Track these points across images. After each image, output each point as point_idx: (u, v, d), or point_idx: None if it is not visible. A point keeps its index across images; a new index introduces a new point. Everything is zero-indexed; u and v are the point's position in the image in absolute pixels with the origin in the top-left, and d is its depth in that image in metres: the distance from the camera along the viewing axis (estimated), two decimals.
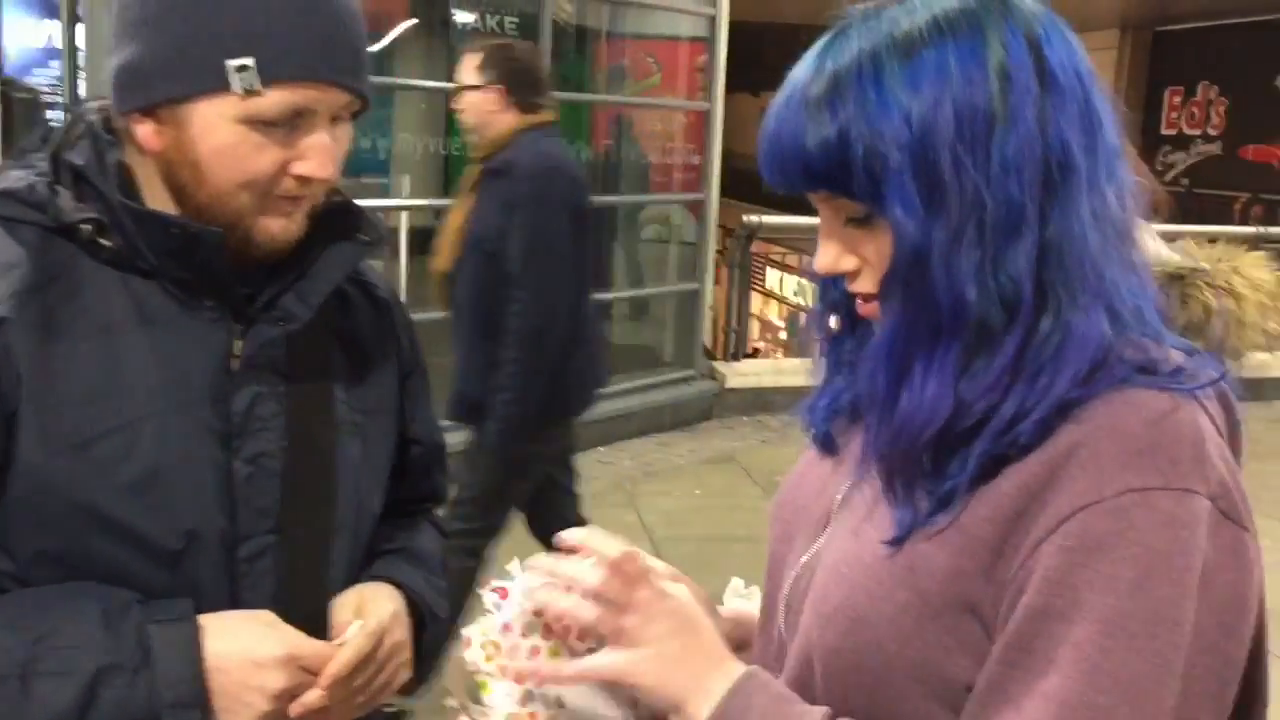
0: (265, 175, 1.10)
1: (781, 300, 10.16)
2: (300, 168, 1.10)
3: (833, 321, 1.03)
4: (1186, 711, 0.80)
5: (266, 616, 1.12)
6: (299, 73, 1.07)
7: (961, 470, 0.86)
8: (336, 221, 1.20)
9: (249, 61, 1.05)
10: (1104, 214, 0.86)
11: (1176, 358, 0.86)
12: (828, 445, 1.05)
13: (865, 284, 0.92)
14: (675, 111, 7.52)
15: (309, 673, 1.10)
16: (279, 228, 1.13)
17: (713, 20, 7.04)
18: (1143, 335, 0.87)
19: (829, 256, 0.92)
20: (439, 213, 7.66)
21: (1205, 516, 0.80)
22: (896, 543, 0.89)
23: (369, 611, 1.19)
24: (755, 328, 9.53)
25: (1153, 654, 0.78)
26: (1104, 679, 0.78)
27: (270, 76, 1.06)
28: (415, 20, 7.17)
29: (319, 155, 1.11)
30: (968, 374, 0.85)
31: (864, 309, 0.94)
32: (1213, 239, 2.15)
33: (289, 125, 1.09)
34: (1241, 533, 0.83)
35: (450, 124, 7.54)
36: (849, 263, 0.92)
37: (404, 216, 6.42)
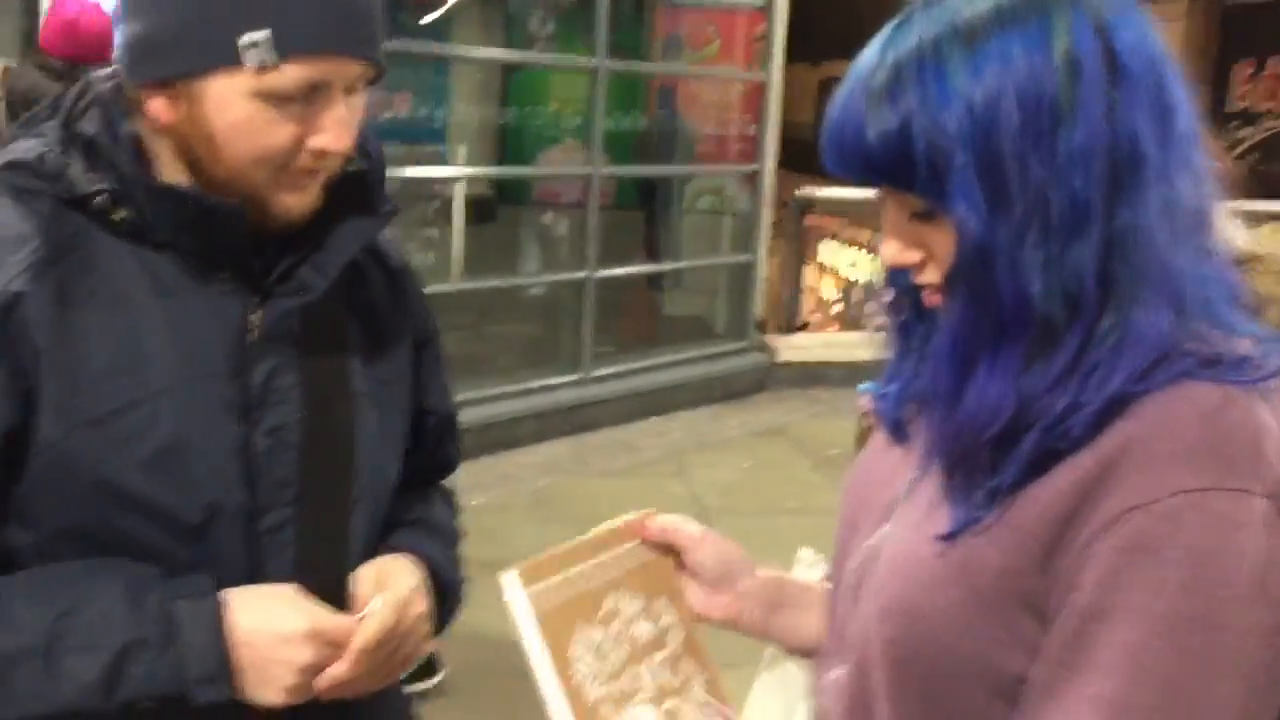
0: (281, 151, 1.08)
1: (835, 274, 10.08)
2: (317, 141, 1.09)
3: (903, 309, 1.01)
4: (1244, 712, 0.79)
5: (289, 591, 1.12)
6: (314, 46, 1.05)
7: (1013, 466, 0.85)
8: (352, 191, 1.18)
9: (262, 36, 1.04)
10: (1175, 204, 0.83)
11: (1243, 347, 0.84)
12: (898, 432, 1.03)
13: (931, 275, 0.90)
14: (733, 82, 7.47)
15: (333, 646, 1.10)
16: (295, 201, 1.12)
17: None
18: (1212, 328, 0.85)
19: (893, 249, 0.91)
20: (493, 182, 7.72)
21: (1261, 516, 0.78)
22: (950, 538, 0.88)
23: (391, 584, 1.19)
24: (809, 300, 9.47)
25: (1200, 657, 0.77)
26: (1149, 681, 0.77)
27: (285, 51, 1.04)
28: None
29: (336, 128, 1.09)
30: (1029, 372, 0.84)
31: (930, 299, 0.93)
32: (1276, 218, 2.12)
33: (304, 99, 1.07)
34: None
35: (506, 93, 7.57)
36: (913, 256, 0.90)
37: (460, 186, 6.45)
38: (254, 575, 1.14)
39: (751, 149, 7.18)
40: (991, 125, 0.81)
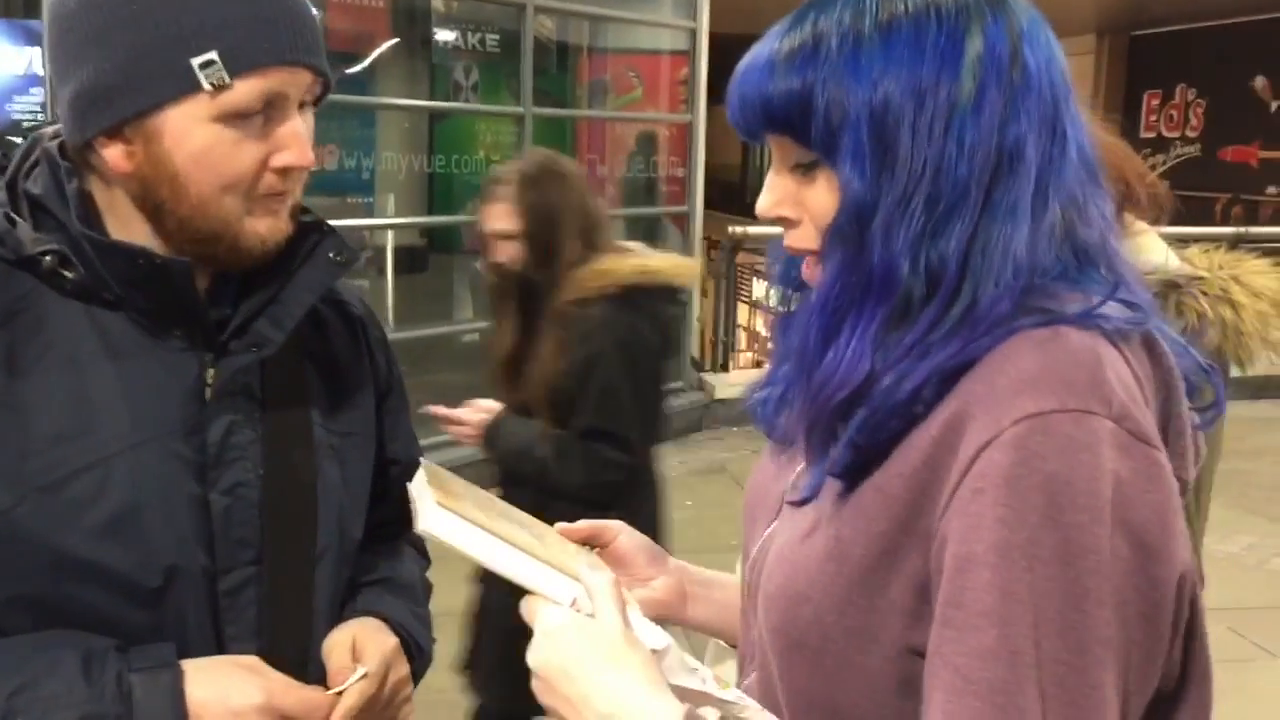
0: (247, 174, 1.07)
1: (767, 310, 10.17)
2: (280, 159, 1.08)
3: (788, 304, 1.04)
4: (1123, 636, 0.79)
5: (249, 661, 1.10)
6: (264, 58, 1.05)
7: (851, 430, 0.87)
8: (309, 241, 1.17)
9: (213, 55, 1.02)
10: (1046, 218, 0.87)
11: (1095, 303, 0.86)
12: (778, 435, 1.05)
13: (803, 239, 0.94)
14: (659, 125, 7.54)
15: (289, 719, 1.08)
16: (267, 228, 1.10)
17: (693, 33, 7.07)
18: (1065, 289, 0.87)
19: (770, 200, 0.95)
20: (423, 231, 7.69)
21: (1108, 437, 0.79)
22: (803, 503, 0.92)
23: (368, 652, 1.17)
24: (742, 338, 9.55)
25: (1071, 583, 0.77)
26: (1025, 619, 0.77)
27: (237, 67, 1.03)
28: (397, 39, 7.18)
29: (296, 143, 1.08)
30: (885, 341, 0.87)
31: (807, 273, 0.96)
32: (1185, 241, 2.17)
33: (263, 116, 1.06)
34: (1155, 452, 0.82)
35: (433, 142, 7.57)
36: (788, 210, 0.94)
37: (389, 235, 6.43)
38: (216, 636, 1.12)
39: (680, 191, 7.24)
40: (892, 101, 0.86)
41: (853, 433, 0.87)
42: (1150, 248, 1.93)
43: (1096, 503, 0.78)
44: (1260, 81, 12.11)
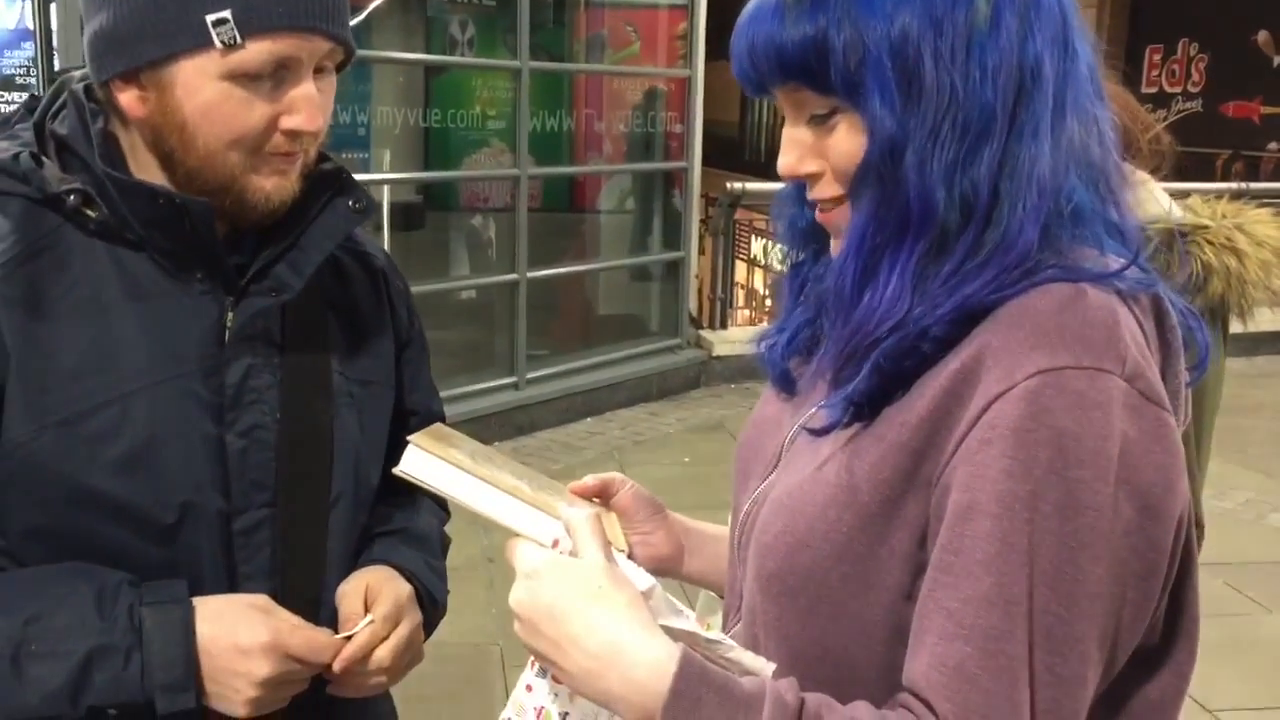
0: (254, 132, 1.08)
1: (766, 268, 10.17)
2: (288, 122, 1.08)
3: (796, 248, 1.04)
4: (1115, 595, 0.80)
5: (261, 601, 1.11)
6: (278, 21, 1.05)
7: (868, 367, 0.87)
8: (328, 189, 1.18)
9: (226, 14, 1.03)
10: (1064, 133, 0.88)
11: (1111, 263, 0.87)
12: (785, 383, 1.05)
13: (827, 188, 0.93)
14: (656, 80, 7.48)
15: (294, 660, 1.09)
16: (273, 186, 1.11)
17: None
18: (1080, 245, 0.88)
19: (791, 157, 0.93)
20: (419, 187, 7.65)
21: (1120, 396, 0.80)
22: (825, 431, 0.91)
23: (380, 598, 1.18)
24: (740, 295, 9.53)
25: (1069, 537, 0.78)
26: (1021, 570, 0.78)
27: (249, 28, 1.04)
28: None
29: (306, 107, 1.09)
30: (923, 276, 0.87)
31: (825, 217, 0.95)
32: (1187, 195, 2.16)
33: (274, 78, 1.07)
34: (1164, 414, 0.82)
35: (429, 97, 7.51)
36: (812, 165, 0.93)
37: (386, 191, 6.39)
38: (229, 575, 1.14)
39: (678, 146, 7.20)
40: (911, 30, 0.85)
41: (879, 357, 0.87)
42: (1153, 197, 1.92)
43: (1103, 460, 0.79)
44: (1263, 36, 12.01)
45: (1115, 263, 0.87)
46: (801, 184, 0.98)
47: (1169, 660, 0.89)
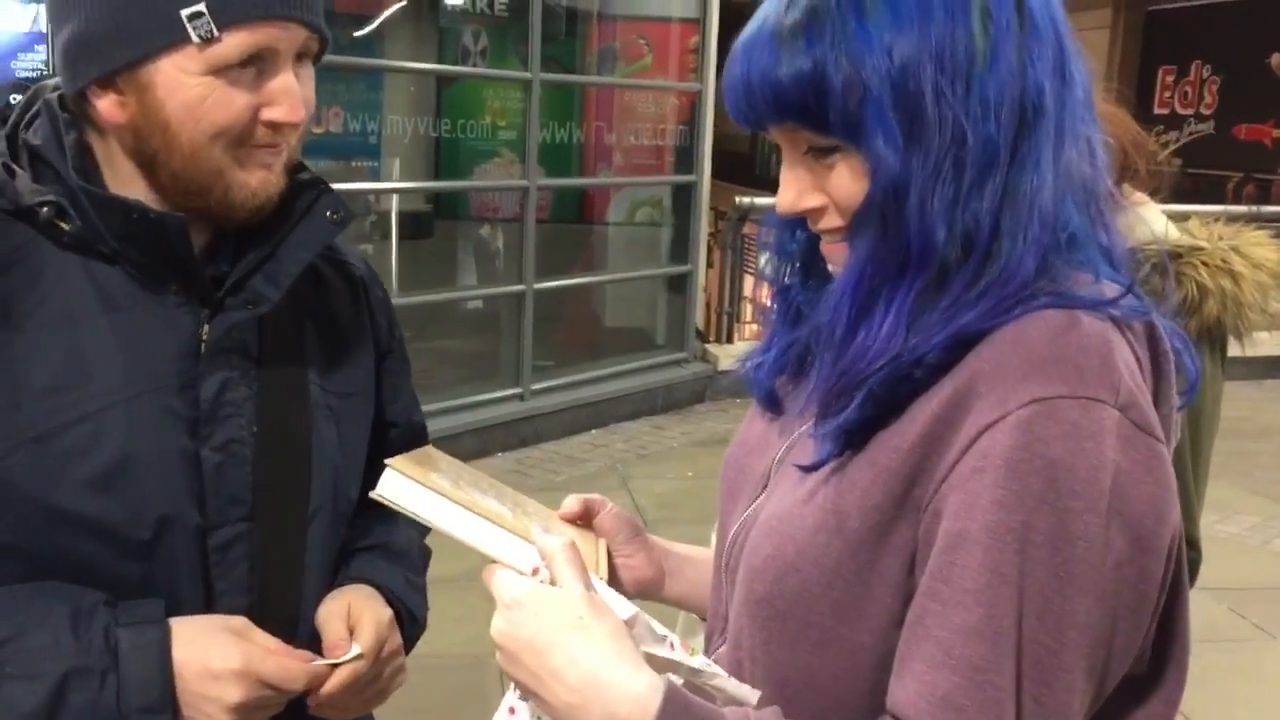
0: (237, 124, 1.07)
1: (765, 280, 10.09)
2: (270, 113, 1.08)
3: (784, 270, 1.03)
4: (1104, 627, 0.79)
5: (237, 624, 1.10)
6: (253, 12, 1.04)
7: (860, 397, 0.86)
8: (305, 199, 1.17)
9: (200, 7, 1.02)
10: (1064, 162, 0.86)
11: (1106, 290, 0.86)
12: (772, 403, 1.04)
13: (831, 221, 0.91)
14: (667, 93, 7.49)
15: (267, 686, 1.08)
16: (258, 181, 1.10)
17: (704, 1, 7.00)
18: (1076, 271, 0.87)
19: (791, 194, 0.91)
20: (428, 196, 7.66)
21: (1113, 427, 0.79)
22: (814, 468, 0.89)
23: (362, 625, 1.17)
24: (747, 310, 9.52)
25: (1060, 568, 0.77)
26: (1011, 601, 0.77)
27: (225, 20, 1.03)
28: (404, 2, 7.12)
29: (287, 98, 1.08)
30: (919, 316, 0.85)
31: (829, 249, 0.93)
32: (1186, 216, 2.14)
33: (254, 69, 1.06)
34: (1157, 444, 0.82)
35: (440, 107, 7.53)
36: (813, 200, 0.91)
37: (395, 200, 6.40)
38: (205, 592, 1.12)
39: (687, 160, 7.20)
40: (910, 65, 0.83)
41: (873, 385, 0.85)
42: (1149, 218, 1.91)
43: (1095, 491, 0.78)
44: (1276, 59, 12.00)
45: (1110, 289, 0.85)
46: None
47: (1158, 689, 0.88)
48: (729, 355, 7.12)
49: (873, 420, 0.86)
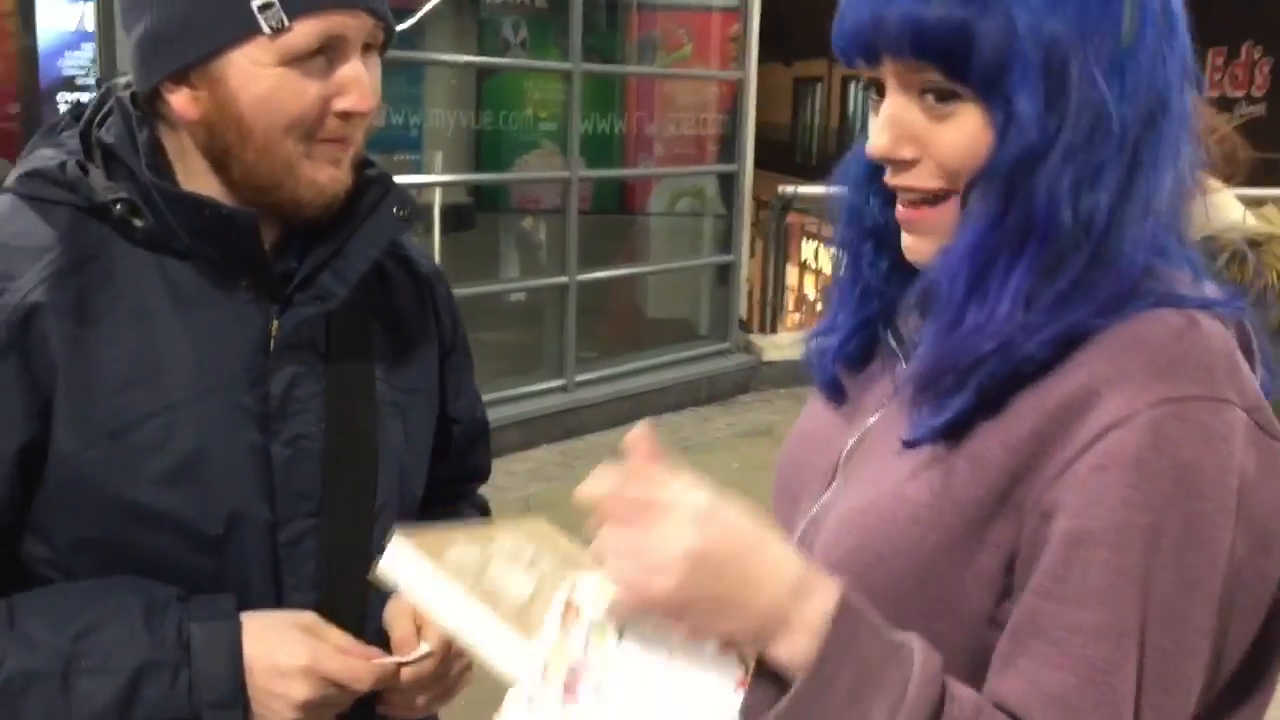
0: (310, 114, 1.08)
1: (817, 272, 10.10)
2: (341, 103, 1.08)
3: (857, 242, 1.00)
4: (1222, 629, 0.78)
5: (307, 620, 1.10)
6: (323, 0, 1.05)
7: (971, 387, 0.83)
8: (372, 195, 1.18)
9: None
10: (1180, 168, 0.85)
11: (1208, 289, 0.85)
12: (835, 391, 1.02)
13: (921, 178, 0.88)
14: (708, 83, 7.45)
15: (334, 683, 1.08)
16: (327, 177, 1.11)
17: None
18: (1175, 267, 0.85)
19: (887, 139, 0.87)
20: (470, 189, 7.68)
21: (1241, 429, 0.78)
22: (913, 444, 0.86)
23: (431, 623, 1.15)
24: (790, 299, 9.48)
25: (1188, 571, 0.76)
26: (1136, 603, 0.76)
27: (295, 9, 1.04)
28: None
29: (358, 87, 1.09)
30: (1034, 297, 0.83)
31: (911, 213, 0.90)
32: (1261, 201, 2.10)
33: (324, 59, 1.07)
34: (1278, 445, 0.80)
35: (481, 99, 7.55)
36: (909, 150, 0.87)
37: (437, 192, 6.41)
38: (275, 587, 1.13)
39: (728, 149, 7.16)
40: (1063, 36, 0.81)
41: (983, 379, 0.83)
42: (1226, 205, 1.86)
43: (1224, 494, 0.77)
44: None
45: (1210, 288, 0.84)
46: (872, 169, 0.93)
47: (1247, 702, 0.86)
48: (773, 345, 7.09)
49: (976, 413, 0.84)
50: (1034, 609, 0.79)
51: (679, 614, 0.79)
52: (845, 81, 24.15)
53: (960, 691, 0.78)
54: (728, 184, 7.16)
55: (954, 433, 0.85)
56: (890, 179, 0.90)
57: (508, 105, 7.38)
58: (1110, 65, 0.82)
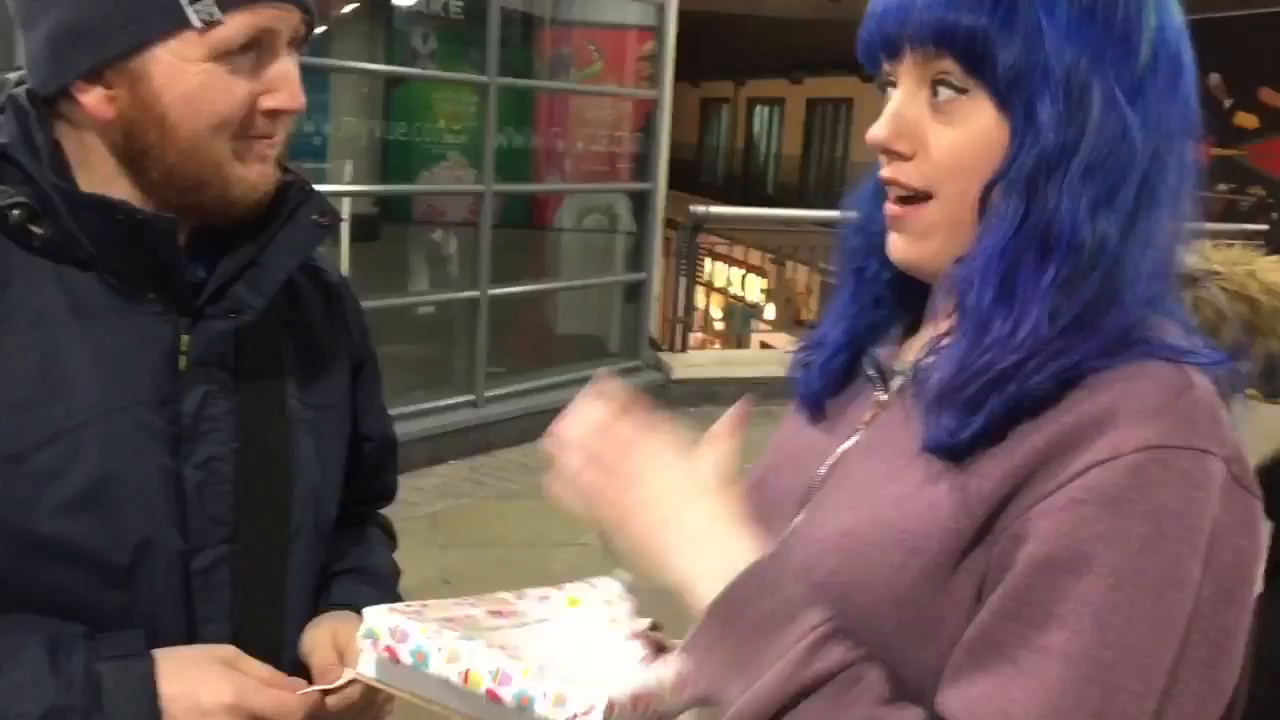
0: (238, 113, 1.02)
1: (721, 291, 10.18)
2: (270, 101, 1.03)
3: (867, 258, 1.00)
4: (1181, 676, 0.78)
5: (225, 654, 1.04)
6: None
7: (987, 410, 0.83)
8: (290, 201, 1.11)
9: None
10: (1177, 207, 0.87)
11: (1198, 344, 0.86)
12: (815, 407, 1.02)
13: (911, 174, 0.90)
14: (621, 100, 7.46)
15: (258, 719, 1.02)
16: (257, 174, 1.05)
17: (661, 8, 6.99)
18: (1164, 316, 0.87)
19: (887, 130, 0.90)
20: (375, 199, 7.56)
21: (1220, 479, 0.79)
22: (937, 450, 0.85)
23: (352, 648, 1.09)
24: (696, 319, 9.53)
25: (1158, 613, 0.76)
26: (1109, 635, 0.76)
27: (228, 3, 0.99)
28: (356, 3, 7.02)
29: (287, 85, 1.04)
30: (1056, 311, 0.83)
31: (899, 210, 0.92)
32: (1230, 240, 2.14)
33: (253, 54, 1.01)
34: (1253, 500, 0.82)
35: (389, 108, 7.44)
36: (905, 145, 0.90)
37: (346, 203, 6.29)
38: (187, 619, 1.06)
39: (642, 167, 7.17)
40: (1088, 54, 0.83)
41: (998, 406, 0.83)
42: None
43: (1196, 537, 0.77)
44: (1214, 79, 12.26)
45: (1197, 341, 0.86)
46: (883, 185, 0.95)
47: None
48: (683, 364, 7.10)
49: (984, 435, 0.84)
50: (993, 628, 0.79)
51: (619, 522, 0.89)
52: (751, 104, 24.49)
53: (875, 679, 0.81)
54: (640, 201, 7.16)
55: (958, 454, 0.84)
56: (883, 170, 0.92)
57: (416, 116, 7.29)
58: (1128, 91, 0.84)
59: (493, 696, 0.84)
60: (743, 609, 0.83)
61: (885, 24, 0.89)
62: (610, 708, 0.81)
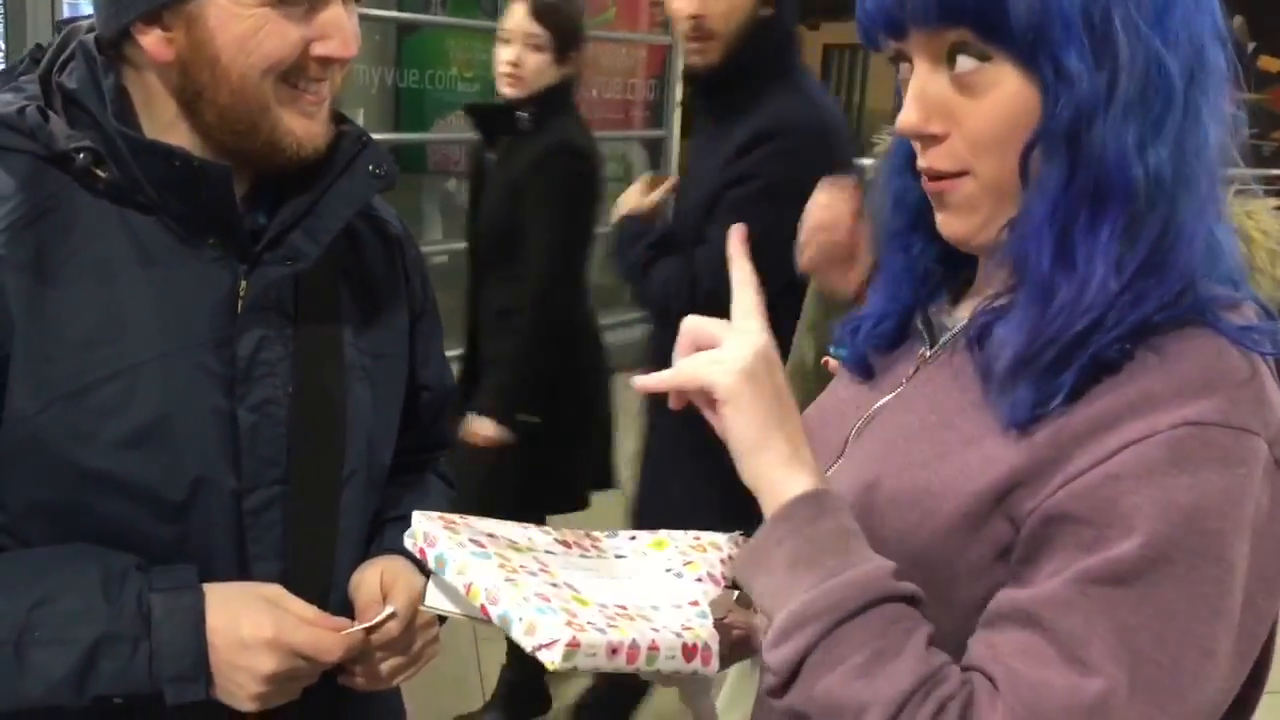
0: (289, 57, 1.03)
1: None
2: (321, 48, 1.04)
3: (903, 225, 0.98)
4: (1225, 657, 0.76)
5: (272, 591, 1.06)
6: None
7: (1075, 366, 0.80)
8: (346, 152, 1.13)
9: None
10: (1220, 122, 0.84)
11: (1249, 312, 0.84)
12: (863, 368, 1.01)
13: (946, 159, 0.86)
14: (635, 47, 7.39)
15: (300, 656, 1.04)
16: (303, 129, 1.06)
17: None
18: (1218, 281, 0.84)
19: (916, 114, 0.85)
20: (392, 148, 7.52)
21: (1263, 460, 0.77)
22: (1020, 425, 0.82)
23: (396, 589, 1.14)
24: None
25: (1191, 586, 0.75)
26: (1134, 606, 0.74)
27: None
28: None
29: (339, 32, 1.04)
30: (1121, 264, 0.80)
31: (936, 186, 0.88)
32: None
33: (306, 2, 1.02)
34: None
35: (401, 55, 7.38)
36: (938, 126, 0.85)
37: None
38: (239, 557, 1.09)
39: (656, 114, 7.11)
40: None
41: (1076, 369, 0.80)
42: None
43: (1240, 515, 0.76)
44: (1238, 21, 12.08)
45: (1249, 309, 0.84)
46: (911, 150, 0.90)
47: None
48: None
49: (1073, 396, 0.81)
50: (1027, 599, 0.78)
51: (722, 405, 0.83)
52: None
53: (921, 629, 0.79)
54: (654, 149, 7.11)
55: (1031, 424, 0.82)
56: (920, 160, 0.88)
57: (429, 64, 7.24)
58: (1152, 18, 0.80)
59: (485, 613, 0.87)
60: (829, 510, 0.82)
61: (884, 8, 0.85)
62: (573, 644, 0.82)
